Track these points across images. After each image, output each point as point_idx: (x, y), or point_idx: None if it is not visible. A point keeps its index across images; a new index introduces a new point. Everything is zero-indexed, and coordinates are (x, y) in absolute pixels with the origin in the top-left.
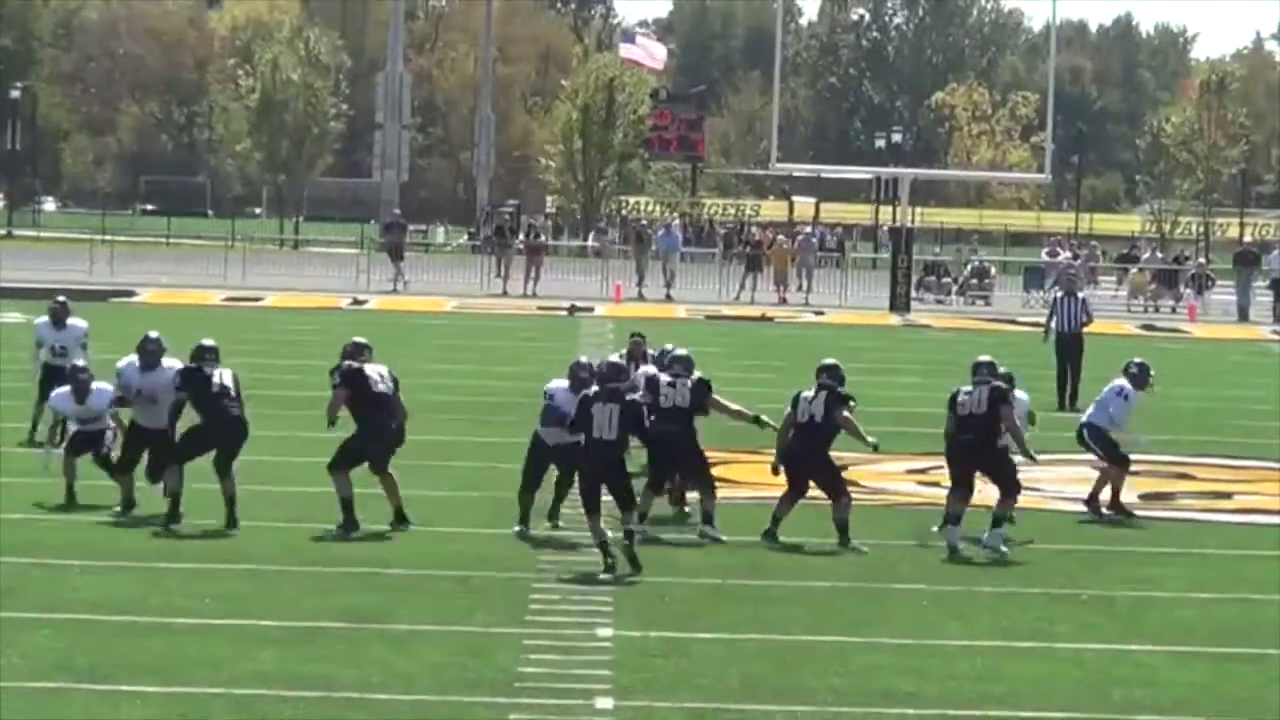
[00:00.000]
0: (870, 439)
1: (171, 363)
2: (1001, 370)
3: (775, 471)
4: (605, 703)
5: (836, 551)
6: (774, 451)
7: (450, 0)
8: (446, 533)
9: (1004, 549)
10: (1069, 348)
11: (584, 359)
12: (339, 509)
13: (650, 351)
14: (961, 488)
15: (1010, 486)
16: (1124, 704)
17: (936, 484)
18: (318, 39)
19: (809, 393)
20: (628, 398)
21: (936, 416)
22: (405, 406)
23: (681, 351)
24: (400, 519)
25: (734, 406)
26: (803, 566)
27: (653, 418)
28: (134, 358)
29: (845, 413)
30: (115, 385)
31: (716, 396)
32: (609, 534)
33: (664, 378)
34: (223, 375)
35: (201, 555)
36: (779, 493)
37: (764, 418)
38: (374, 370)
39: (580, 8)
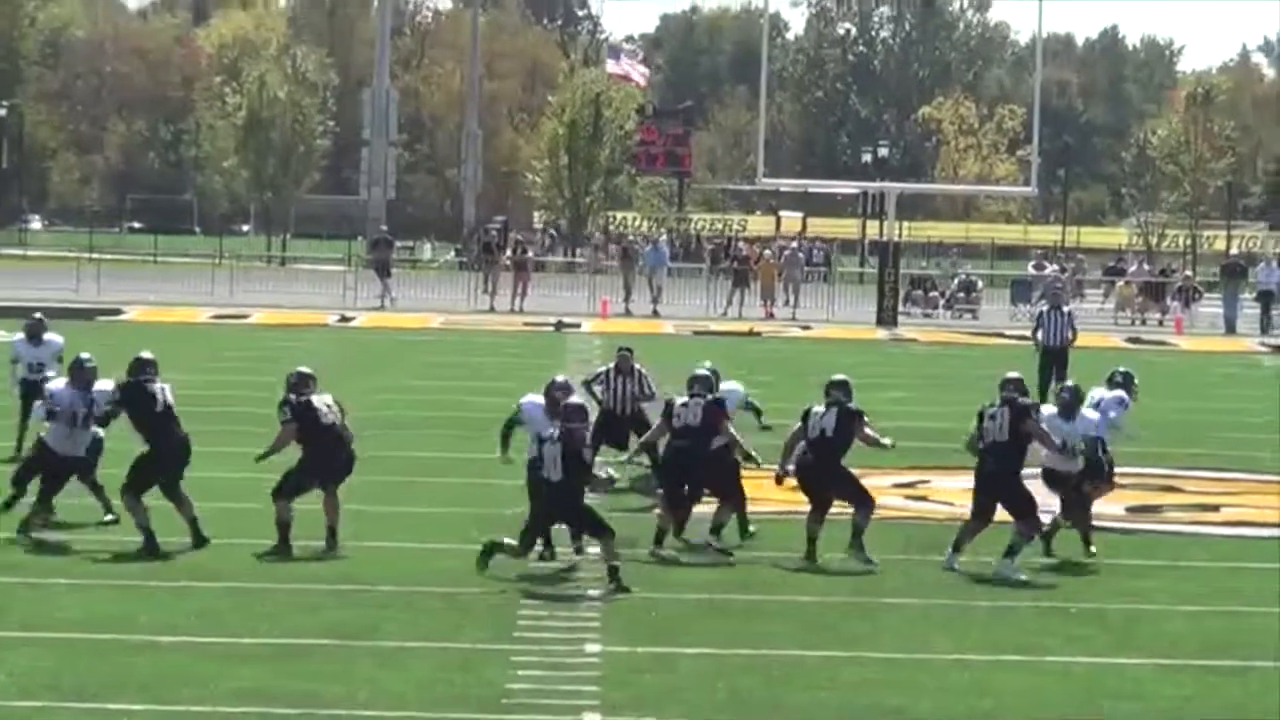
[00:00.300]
0: (885, 440)
1: (105, 384)
2: None
3: (779, 482)
4: (593, 718)
5: (847, 562)
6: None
7: (436, 17)
8: (433, 549)
9: (1021, 575)
10: (1054, 361)
11: (561, 378)
12: (276, 531)
13: (637, 364)
14: (979, 519)
15: (1029, 513)
16: (1112, 716)
17: (924, 498)
18: (304, 56)
19: (820, 408)
20: (569, 431)
21: (924, 431)
22: (352, 432)
23: (702, 371)
24: (332, 539)
25: (737, 437)
26: (791, 581)
27: (668, 437)
28: (63, 380)
29: (866, 430)
30: (46, 404)
31: (729, 421)
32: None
33: (679, 399)
34: (165, 392)
35: (186, 573)
36: (773, 508)
37: (756, 458)
38: (321, 401)
39: (566, 24)
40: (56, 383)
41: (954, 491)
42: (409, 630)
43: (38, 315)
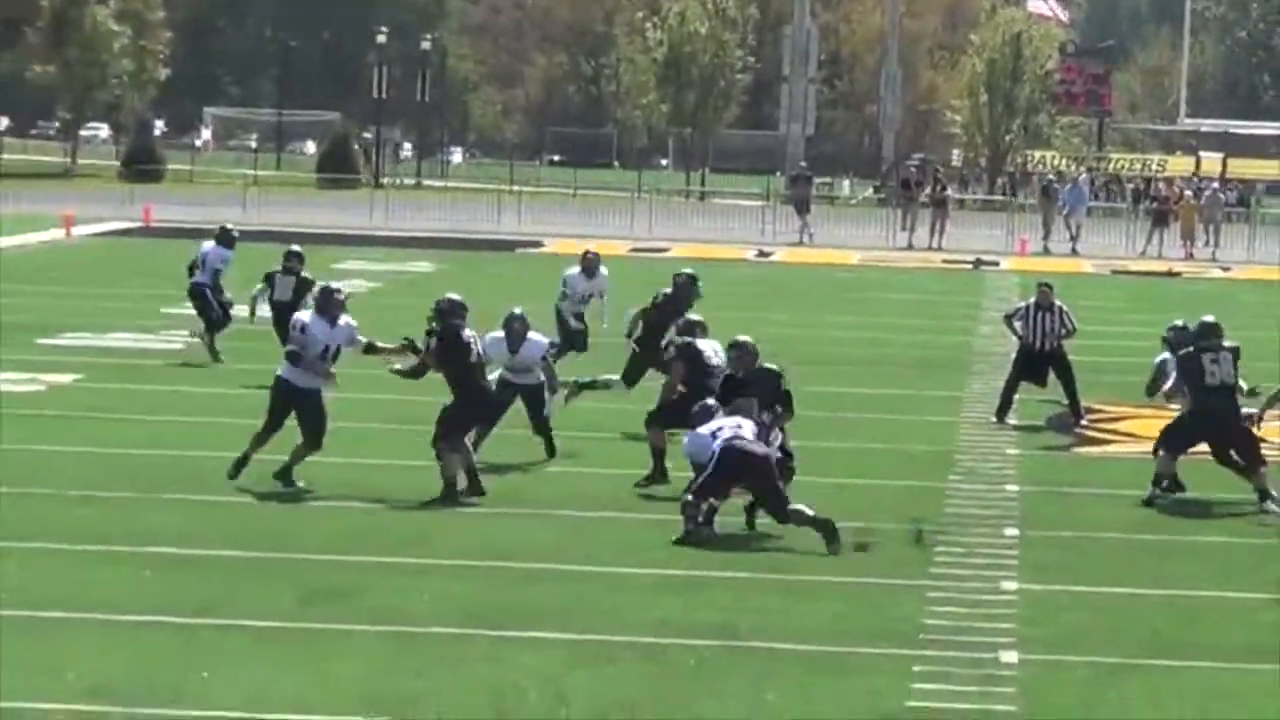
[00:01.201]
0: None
1: (349, 320)
2: None
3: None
4: (1010, 656)
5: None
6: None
7: None
8: (847, 484)
9: None
10: None
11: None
12: (652, 458)
13: (1057, 300)
14: None
15: None
16: None
17: None
18: None
19: (1212, 355)
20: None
21: None
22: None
23: (1212, 318)
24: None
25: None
26: (1206, 522)
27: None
28: (310, 312)
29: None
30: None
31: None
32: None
33: (1207, 358)
34: (476, 342)
35: (607, 504)
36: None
37: None
38: (708, 345)
39: None
40: (304, 314)
41: None
42: (822, 565)
43: (592, 250)
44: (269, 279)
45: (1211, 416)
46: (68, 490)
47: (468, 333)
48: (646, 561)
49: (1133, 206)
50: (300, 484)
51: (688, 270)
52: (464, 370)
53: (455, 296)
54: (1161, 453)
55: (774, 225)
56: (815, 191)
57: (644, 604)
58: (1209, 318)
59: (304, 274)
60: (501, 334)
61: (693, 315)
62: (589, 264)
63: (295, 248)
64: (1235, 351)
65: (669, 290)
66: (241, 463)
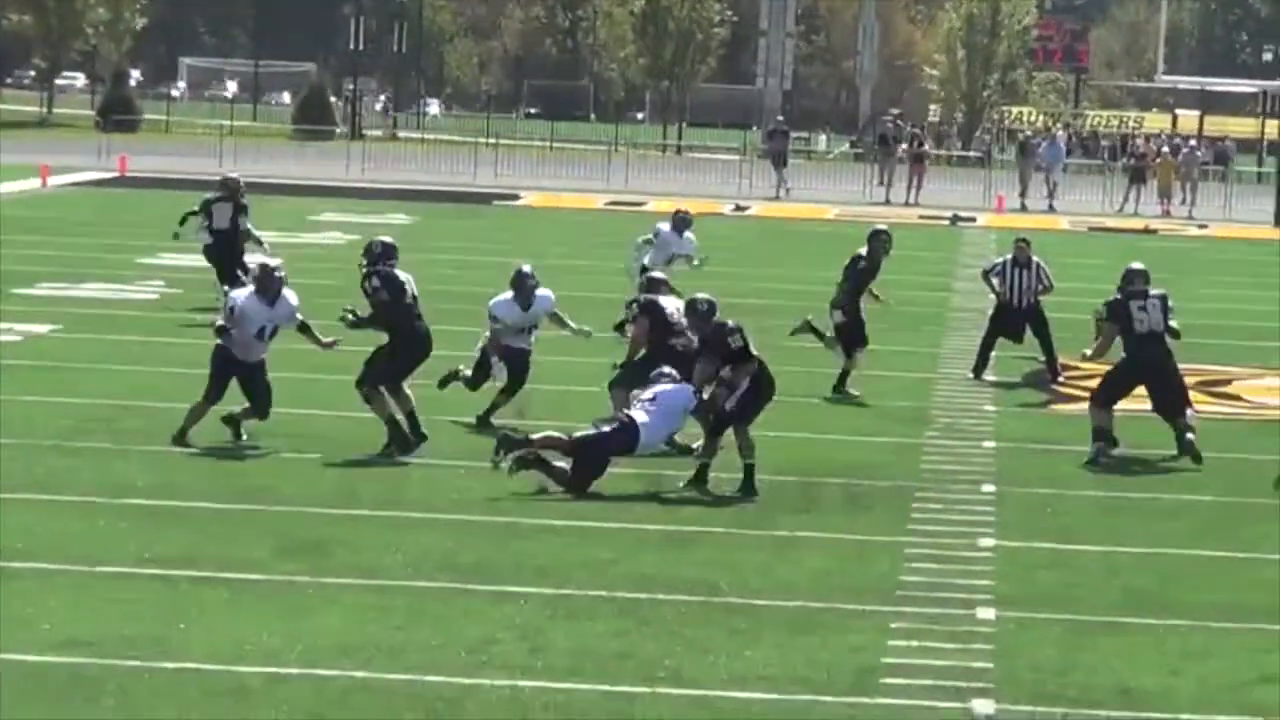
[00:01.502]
0: None
1: (291, 296)
2: None
3: None
4: (987, 613)
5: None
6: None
7: None
8: (830, 440)
9: None
10: None
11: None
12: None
13: (1035, 256)
14: None
15: None
16: None
17: None
18: None
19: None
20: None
21: None
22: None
23: (1139, 265)
24: None
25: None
26: (1185, 481)
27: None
28: (247, 290)
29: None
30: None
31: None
32: None
33: (1135, 305)
34: (411, 283)
35: None
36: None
37: None
38: (671, 303)
39: None
40: (239, 292)
41: None
42: (802, 520)
43: (684, 209)
44: (206, 208)
45: (1142, 363)
46: (44, 441)
47: (401, 273)
48: (626, 516)
49: (1110, 163)
50: (245, 438)
51: (880, 226)
52: (400, 310)
53: (388, 239)
54: (1095, 407)
55: (751, 179)
56: (792, 146)
57: (623, 559)
58: (1136, 264)
59: (242, 200)
60: (509, 295)
61: (656, 273)
62: (680, 222)
63: (231, 174)
64: (1163, 299)
65: (864, 250)
66: (180, 437)
